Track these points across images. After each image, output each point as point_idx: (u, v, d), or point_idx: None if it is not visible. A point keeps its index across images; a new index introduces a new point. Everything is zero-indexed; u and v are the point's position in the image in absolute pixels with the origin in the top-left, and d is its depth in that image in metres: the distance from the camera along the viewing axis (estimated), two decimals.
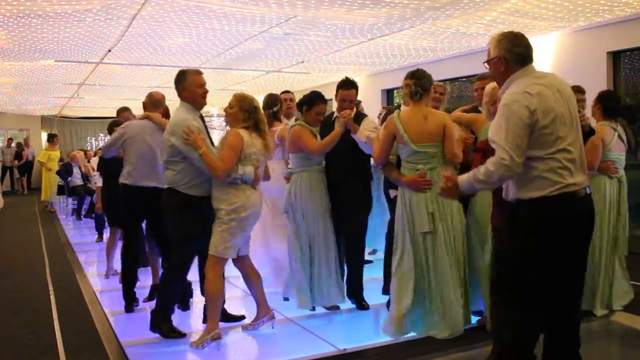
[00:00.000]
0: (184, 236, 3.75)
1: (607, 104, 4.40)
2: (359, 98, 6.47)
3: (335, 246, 4.37)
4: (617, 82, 6.66)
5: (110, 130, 5.59)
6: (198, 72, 3.84)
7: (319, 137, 4.38)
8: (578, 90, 4.56)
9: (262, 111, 3.80)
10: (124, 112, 5.78)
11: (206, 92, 3.80)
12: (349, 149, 4.27)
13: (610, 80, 6.57)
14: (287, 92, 5.60)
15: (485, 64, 2.73)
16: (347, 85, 4.38)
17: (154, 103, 4.60)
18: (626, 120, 5.52)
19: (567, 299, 2.67)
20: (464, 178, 2.66)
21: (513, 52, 2.61)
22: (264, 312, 3.97)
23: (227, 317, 4.08)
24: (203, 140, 3.59)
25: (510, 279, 2.64)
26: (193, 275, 4.08)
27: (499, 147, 2.49)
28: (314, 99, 4.37)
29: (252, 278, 3.95)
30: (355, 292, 4.50)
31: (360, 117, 4.49)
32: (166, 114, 4.73)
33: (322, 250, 4.30)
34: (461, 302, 3.69)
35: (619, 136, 4.36)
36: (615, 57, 6.70)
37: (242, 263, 3.91)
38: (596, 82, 5.38)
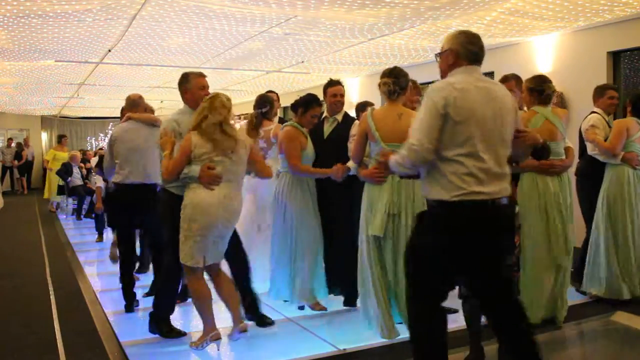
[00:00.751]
0: (173, 235, 3.71)
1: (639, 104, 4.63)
2: (370, 100, 6.47)
3: (317, 245, 4.36)
4: (617, 82, 6.64)
5: None
6: (201, 75, 3.88)
7: (309, 137, 4.40)
8: (613, 88, 4.88)
9: (208, 110, 3.49)
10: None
11: (208, 95, 3.78)
12: (343, 156, 4.23)
13: (610, 80, 6.55)
14: (272, 92, 5.49)
15: (437, 58, 2.73)
16: (334, 83, 4.55)
17: (130, 104, 4.69)
18: None
19: (489, 298, 2.67)
20: (392, 159, 2.69)
21: (466, 49, 2.62)
22: (235, 322, 3.72)
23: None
24: (172, 144, 3.60)
25: (412, 272, 2.67)
26: None
27: (413, 132, 2.54)
28: (311, 102, 4.36)
29: (221, 288, 3.72)
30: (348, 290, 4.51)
31: (349, 120, 4.51)
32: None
33: (300, 248, 4.30)
34: None
35: None
36: (615, 57, 6.69)
37: (211, 272, 3.68)
38: (596, 82, 5.37)
